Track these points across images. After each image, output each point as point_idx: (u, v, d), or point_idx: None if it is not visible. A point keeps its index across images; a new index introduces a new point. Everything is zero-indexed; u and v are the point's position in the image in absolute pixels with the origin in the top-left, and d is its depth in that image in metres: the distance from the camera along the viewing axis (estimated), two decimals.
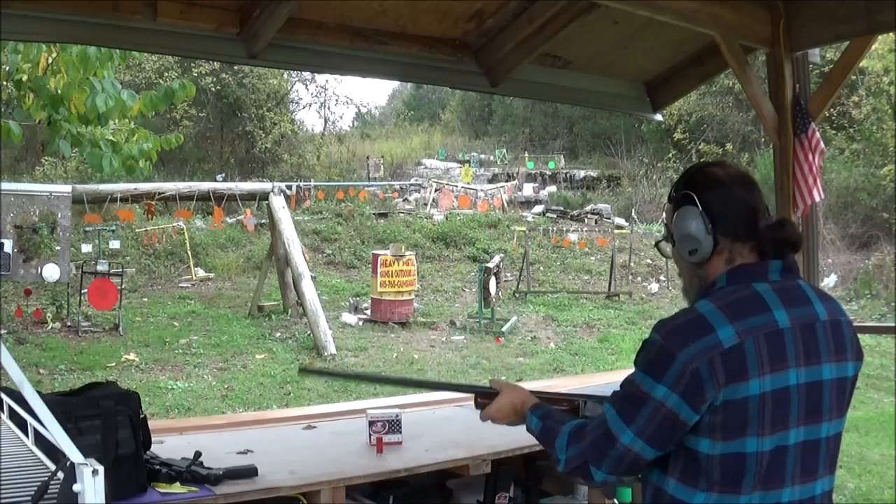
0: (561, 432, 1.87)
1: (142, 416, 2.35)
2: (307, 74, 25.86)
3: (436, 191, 21.85)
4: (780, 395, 1.66)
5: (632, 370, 1.78)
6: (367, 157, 25.00)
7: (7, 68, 5.67)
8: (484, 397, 2.13)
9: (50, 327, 11.49)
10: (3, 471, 1.76)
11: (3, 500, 1.60)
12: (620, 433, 1.72)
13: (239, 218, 15.88)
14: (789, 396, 1.67)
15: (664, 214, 1.99)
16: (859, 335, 1.86)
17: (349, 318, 13.03)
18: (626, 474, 1.79)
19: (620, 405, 1.74)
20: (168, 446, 2.70)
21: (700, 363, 1.63)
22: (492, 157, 26.96)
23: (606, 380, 4.37)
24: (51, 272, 9.96)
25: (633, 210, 20.30)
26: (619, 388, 1.78)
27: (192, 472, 2.38)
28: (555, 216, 21.09)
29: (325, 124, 30.52)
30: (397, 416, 3.02)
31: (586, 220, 20.57)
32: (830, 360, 1.74)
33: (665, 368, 1.66)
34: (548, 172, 25.59)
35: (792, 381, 1.68)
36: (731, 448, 1.66)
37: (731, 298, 1.73)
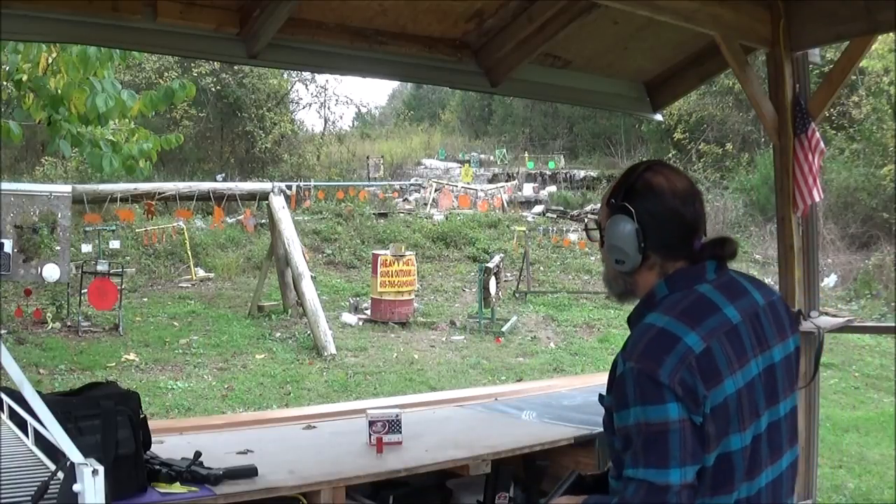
0: None
1: (142, 416, 2.35)
2: (307, 74, 25.84)
3: (436, 191, 21.84)
4: (749, 388, 1.69)
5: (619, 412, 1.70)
6: (367, 157, 24.98)
7: (7, 68, 5.67)
8: None
9: (50, 327, 11.48)
10: (3, 471, 1.76)
11: (3, 500, 1.60)
12: (668, 478, 1.60)
13: (239, 218, 15.87)
14: (755, 386, 1.70)
15: (599, 208, 1.94)
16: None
17: (349, 318, 13.03)
18: None
19: (646, 455, 1.63)
20: (168, 446, 2.71)
21: (682, 372, 1.62)
22: (492, 157, 26.93)
23: (606, 380, 4.37)
24: (51, 272, 9.96)
25: None
26: (631, 444, 1.66)
27: (192, 472, 2.39)
28: (555, 216, 21.07)
29: (325, 124, 30.51)
30: (397, 416, 3.02)
31: (586, 220, 20.52)
32: (776, 343, 1.78)
33: (656, 390, 1.62)
34: (548, 172, 25.55)
35: (755, 372, 1.71)
36: (719, 451, 1.65)
37: (682, 306, 1.72)
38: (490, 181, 24.57)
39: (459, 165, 25.63)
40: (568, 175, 25.75)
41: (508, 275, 15.56)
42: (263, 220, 15.08)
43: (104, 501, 1.47)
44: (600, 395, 1.88)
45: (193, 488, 2.34)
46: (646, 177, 1.82)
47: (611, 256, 1.83)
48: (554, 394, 4.06)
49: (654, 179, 1.81)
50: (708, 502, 1.66)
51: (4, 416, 2.16)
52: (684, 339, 1.65)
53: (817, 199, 4.05)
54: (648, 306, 1.78)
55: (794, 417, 1.82)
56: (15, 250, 9.69)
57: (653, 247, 1.78)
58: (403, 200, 21.02)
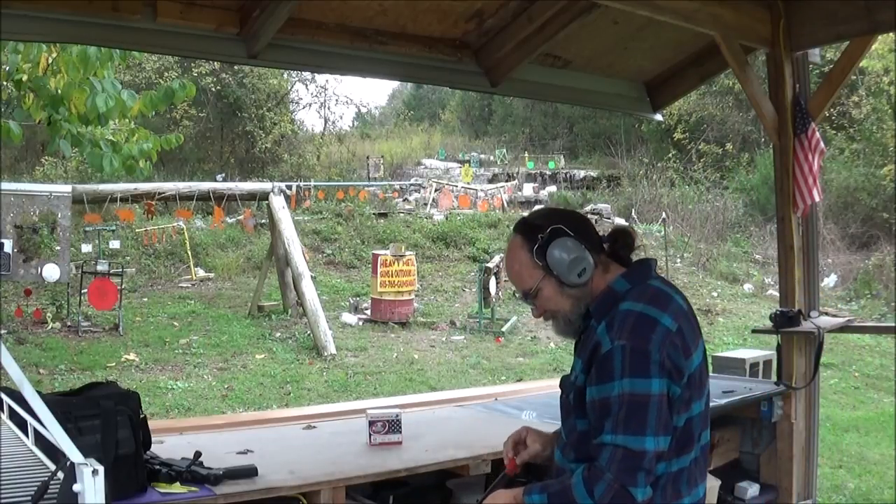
0: (573, 485, 1.88)
1: (142, 416, 2.34)
2: (307, 74, 25.85)
3: (436, 191, 21.84)
4: (703, 364, 1.96)
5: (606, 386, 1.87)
6: (367, 157, 24.98)
7: (7, 68, 5.66)
8: None
9: (50, 327, 11.48)
10: (3, 471, 1.76)
11: (3, 500, 1.60)
12: (643, 444, 1.80)
13: (239, 218, 15.87)
14: (704, 364, 1.97)
15: (524, 277, 2.04)
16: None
17: (349, 318, 13.03)
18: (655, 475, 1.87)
19: (626, 423, 1.81)
20: (168, 446, 2.71)
21: (668, 347, 1.84)
22: (492, 157, 26.94)
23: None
24: (51, 272, 9.95)
25: (633, 210, 20.27)
26: (608, 413, 1.83)
27: (192, 472, 2.38)
28: None
29: (325, 124, 30.52)
30: (397, 416, 3.02)
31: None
32: (701, 339, 2.02)
33: (647, 364, 1.81)
34: (548, 172, 25.57)
35: (702, 354, 1.97)
36: (688, 415, 1.89)
37: (647, 295, 1.93)
38: (490, 181, 24.57)
39: (459, 165, 25.63)
40: (568, 175, 25.77)
41: None
42: (263, 220, 15.08)
43: (104, 501, 1.46)
44: (563, 378, 2.11)
45: (193, 488, 2.34)
46: (543, 214, 2.06)
47: (572, 274, 1.95)
48: (554, 394, 4.05)
49: (544, 212, 2.07)
50: (675, 462, 1.89)
51: (4, 416, 2.16)
52: (661, 321, 1.87)
53: (817, 199, 4.05)
54: (613, 300, 1.95)
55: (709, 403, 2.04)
56: (15, 250, 9.69)
57: (588, 247, 1.97)
58: (403, 200, 21.01)
